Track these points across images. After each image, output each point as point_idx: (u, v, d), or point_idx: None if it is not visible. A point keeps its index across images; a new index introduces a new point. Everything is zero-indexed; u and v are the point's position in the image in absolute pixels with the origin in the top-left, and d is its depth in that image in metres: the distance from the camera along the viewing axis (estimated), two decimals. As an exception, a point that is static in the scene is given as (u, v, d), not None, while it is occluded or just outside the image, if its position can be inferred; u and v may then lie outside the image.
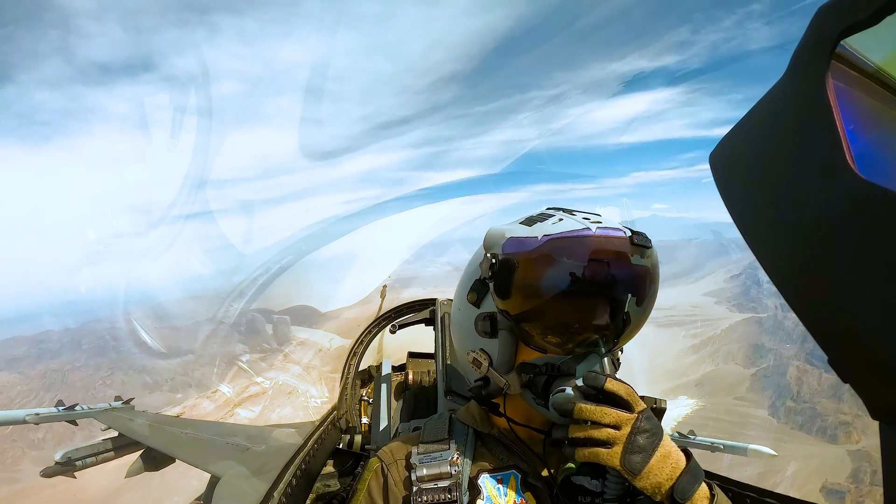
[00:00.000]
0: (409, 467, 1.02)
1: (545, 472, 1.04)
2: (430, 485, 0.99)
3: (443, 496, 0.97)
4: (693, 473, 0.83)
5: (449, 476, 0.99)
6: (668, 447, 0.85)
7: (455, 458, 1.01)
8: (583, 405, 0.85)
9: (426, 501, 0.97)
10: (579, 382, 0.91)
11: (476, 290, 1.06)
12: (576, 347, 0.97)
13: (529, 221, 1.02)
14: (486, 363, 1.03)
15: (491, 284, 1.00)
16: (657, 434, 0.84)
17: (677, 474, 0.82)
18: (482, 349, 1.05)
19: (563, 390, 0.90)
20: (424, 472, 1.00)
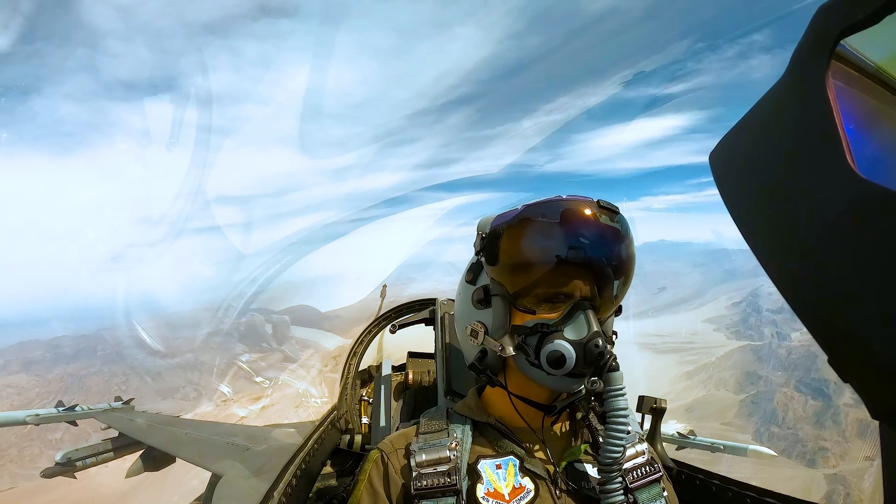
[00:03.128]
0: (409, 454, 1.04)
1: (544, 458, 1.05)
2: (430, 469, 1.00)
3: (442, 480, 0.98)
4: None
5: (448, 461, 1.00)
6: None
7: (453, 444, 1.03)
8: None
9: (426, 486, 0.97)
10: (569, 335, 0.97)
11: (472, 270, 1.15)
12: (562, 306, 1.01)
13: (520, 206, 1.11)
14: (482, 331, 1.08)
15: (482, 257, 1.10)
16: None
17: None
18: (478, 320, 1.10)
19: (552, 342, 0.96)
20: (423, 457, 1.01)
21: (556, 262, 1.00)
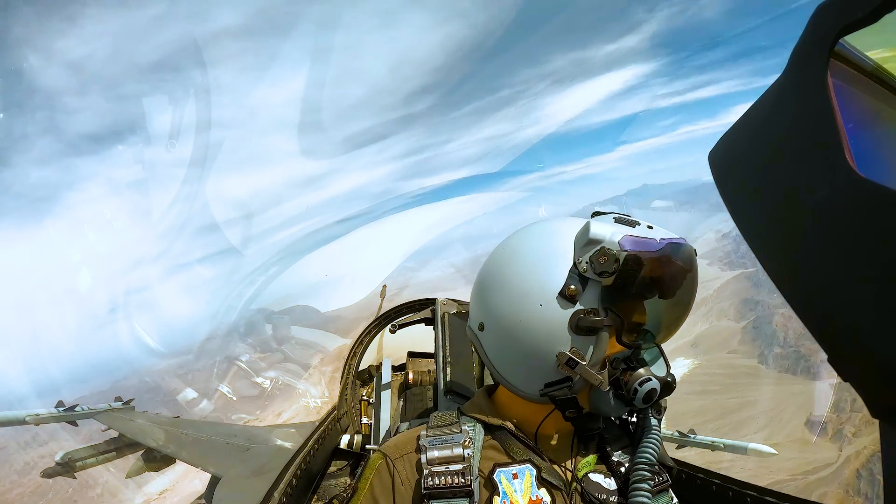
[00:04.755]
0: (420, 450, 0.98)
1: (559, 468, 1.02)
2: (441, 468, 0.94)
3: (455, 479, 0.93)
4: None
5: (461, 459, 0.95)
6: None
7: (466, 442, 0.98)
8: None
9: (437, 485, 0.92)
10: (657, 373, 1.00)
11: (576, 284, 0.98)
12: (650, 343, 1.06)
13: (625, 222, 1.02)
14: (583, 362, 0.96)
15: (603, 279, 0.97)
16: None
17: None
18: (575, 347, 0.98)
19: (650, 380, 0.97)
20: (435, 454, 0.96)
21: (675, 307, 1.05)
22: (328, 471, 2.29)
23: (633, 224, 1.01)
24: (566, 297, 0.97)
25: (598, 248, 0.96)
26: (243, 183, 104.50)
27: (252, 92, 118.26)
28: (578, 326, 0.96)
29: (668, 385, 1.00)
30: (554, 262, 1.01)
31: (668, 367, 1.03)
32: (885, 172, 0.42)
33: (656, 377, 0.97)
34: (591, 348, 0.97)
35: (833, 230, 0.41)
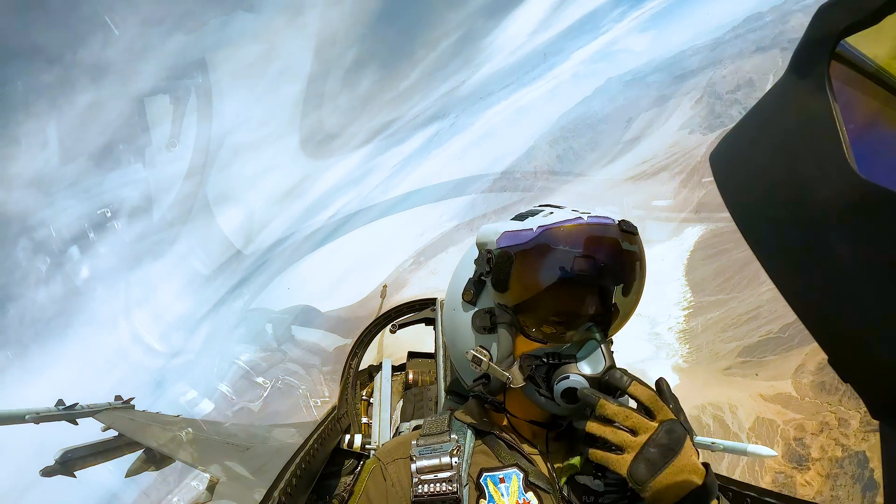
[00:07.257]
0: (411, 458, 1.01)
1: (546, 471, 1.03)
2: (430, 476, 0.96)
3: (442, 487, 0.95)
4: (701, 496, 0.81)
5: (449, 467, 0.97)
6: (684, 463, 0.82)
7: (454, 451, 1.00)
8: (605, 402, 0.86)
9: (427, 493, 0.94)
10: (584, 370, 0.93)
11: (472, 288, 1.07)
12: (573, 334, 0.99)
13: (521, 217, 1.05)
14: (486, 359, 1.02)
15: (488, 279, 1.02)
16: (674, 450, 0.83)
17: (684, 493, 0.81)
18: (481, 346, 1.05)
19: (567, 377, 0.92)
20: (424, 463, 0.98)
21: (574, 295, 0.99)
22: (331, 469, 2.30)
23: (525, 217, 1.03)
24: (466, 300, 1.08)
25: (483, 250, 1.03)
26: (225, 222, 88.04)
27: (200, 132, 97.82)
28: (477, 326, 1.04)
29: (600, 383, 0.90)
30: (463, 271, 1.12)
31: (605, 364, 0.91)
32: (886, 173, 0.42)
33: (583, 374, 0.92)
34: (495, 346, 1.02)
35: (833, 231, 0.42)
